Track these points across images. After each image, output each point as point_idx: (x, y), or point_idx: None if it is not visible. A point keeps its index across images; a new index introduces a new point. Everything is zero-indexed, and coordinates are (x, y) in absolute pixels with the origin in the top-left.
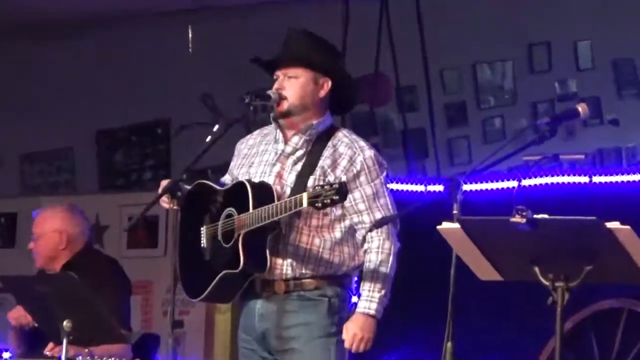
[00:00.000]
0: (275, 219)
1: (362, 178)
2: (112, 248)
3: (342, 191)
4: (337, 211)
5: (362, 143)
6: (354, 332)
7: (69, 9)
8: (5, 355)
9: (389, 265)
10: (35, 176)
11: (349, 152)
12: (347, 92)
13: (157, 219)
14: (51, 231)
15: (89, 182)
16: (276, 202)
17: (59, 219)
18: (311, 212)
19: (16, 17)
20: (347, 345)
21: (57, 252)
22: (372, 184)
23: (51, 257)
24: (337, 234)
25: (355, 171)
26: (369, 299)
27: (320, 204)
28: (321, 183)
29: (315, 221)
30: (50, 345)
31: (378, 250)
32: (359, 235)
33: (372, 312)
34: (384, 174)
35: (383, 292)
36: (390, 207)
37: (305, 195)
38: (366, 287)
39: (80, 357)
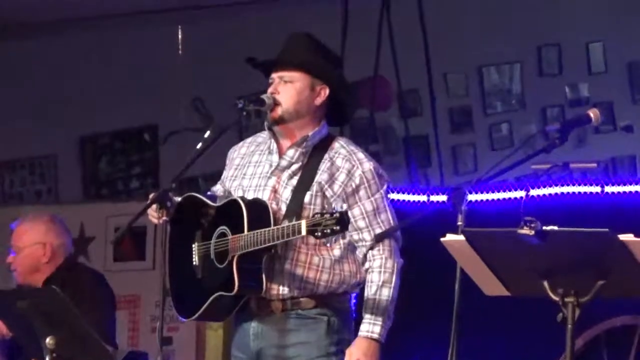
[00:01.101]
0: (271, 244)
1: (362, 193)
2: (98, 261)
3: (343, 221)
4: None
5: (361, 155)
6: (357, 358)
7: (51, 9)
8: None
9: (392, 285)
10: (15, 185)
11: (347, 165)
12: (345, 102)
13: (145, 230)
14: (33, 243)
15: (73, 191)
16: (273, 227)
17: (41, 231)
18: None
19: None
20: None
21: (39, 266)
22: (372, 198)
23: (32, 272)
24: (337, 251)
25: (354, 186)
26: (372, 322)
27: (319, 233)
28: (320, 211)
29: (313, 239)
30: None
31: (380, 270)
32: (359, 254)
33: (375, 335)
34: (385, 187)
35: (387, 314)
36: (391, 222)
37: (303, 223)
38: (369, 310)
39: None
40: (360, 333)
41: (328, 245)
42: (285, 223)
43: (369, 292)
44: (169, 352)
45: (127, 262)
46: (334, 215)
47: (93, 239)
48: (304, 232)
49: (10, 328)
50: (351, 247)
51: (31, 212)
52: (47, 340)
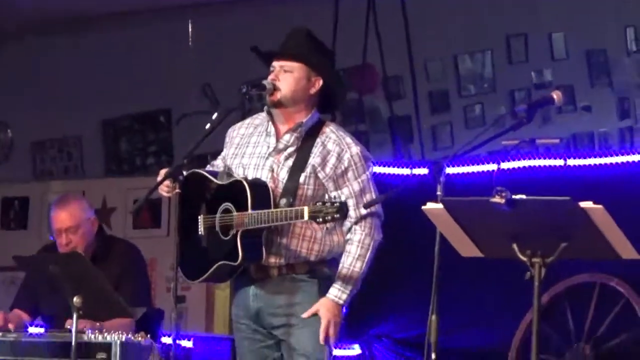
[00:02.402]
0: (275, 224)
1: (350, 174)
2: (119, 229)
3: (342, 210)
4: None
5: (349, 139)
6: (328, 319)
7: (76, 5)
8: (33, 329)
9: (365, 260)
10: (46, 162)
11: (337, 149)
12: (336, 93)
13: (160, 201)
14: (86, 219)
15: (96, 168)
16: (276, 209)
17: (85, 207)
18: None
19: (27, 13)
20: (323, 328)
21: (92, 240)
22: (359, 180)
23: (89, 245)
24: (328, 225)
25: (343, 168)
26: (341, 289)
27: (320, 219)
28: (324, 200)
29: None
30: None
31: (358, 245)
32: (344, 227)
33: (341, 302)
34: (370, 169)
35: (355, 285)
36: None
37: (306, 210)
38: (341, 278)
39: (89, 331)
40: (328, 295)
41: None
42: (284, 201)
43: (345, 261)
44: (182, 309)
45: (145, 230)
46: (335, 204)
47: (115, 210)
48: (306, 218)
49: (42, 290)
50: (340, 222)
51: (59, 189)
52: (75, 299)
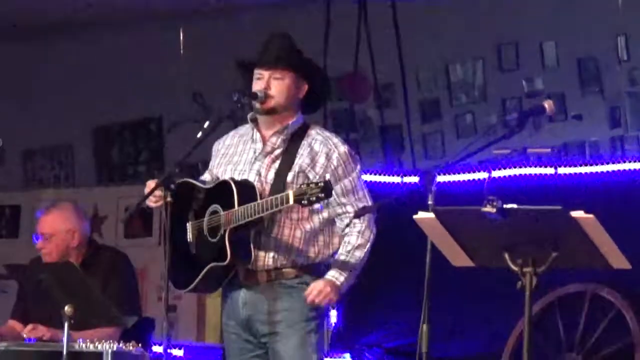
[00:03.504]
0: (262, 215)
1: (340, 172)
2: (110, 237)
3: (327, 188)
4: (316, 205)
5: (336, 139)
6: (320, 288)
7: (65, 12)
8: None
9: (365, 250)
10: (37, 170)
11: (325, 149)
12: (320, 96)
13: (152, 209)
14: (64, 230)
15: (87, 176)
16: (262, 200)
17: (70, 218)
18: (292, 207)
19: (17, 19)
20: (307, 292)
21: (69, 250)
22: (349, 177)
23: (63, 255)
24: (316, 224)
25: (332, 167)
26: (339, 271)
27: (306, 201)
28: (306, 182)
29: (295, 214)
30: (30, 326)
31: (359, 235)
32: (341, 224)
33: (338, 283)
34: (359, 167)
35: (353, 271)
36: (367, 197)
37: (291, 193)
38: (340, 261)
39: (80, 340)
40: (325, 276)
41: (309, 219)
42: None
43: (343, 249)
44: (173, 318)
45: (136, 239)
46: (319, 184)
47: (106, 218)
48: (291, 201)
49: (32, 298)
50: (328, 222)
51: (51, 195)
52: (66, 308)
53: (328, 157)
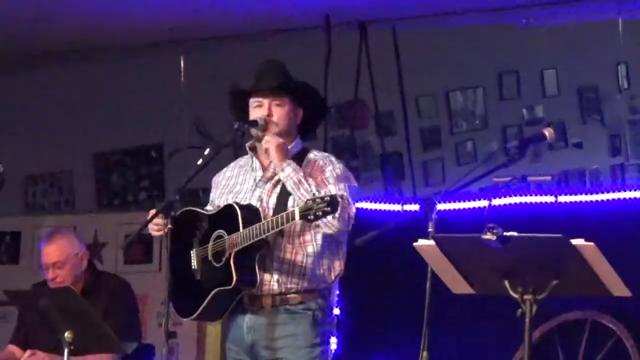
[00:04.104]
0: (268, 234)
1: (331, 180)
2: (110, 264)
3: (333, 203)
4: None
5: (332, 158)
6: (279, 142)
7: (68, 39)
8: None
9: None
10: (37, 196)
11: (320, 162)
12: (315, 121)
13: (152, 236)
14: (73, 255)
15: (88, 202)
16: (267, 220)
17: (75, 243)
18: (293, 230)
19: (18, 46)
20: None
21: (81, 274)
22: (338, 186)
23: (77, 281)
24: (317, 248)
25: (325, 176)
26: (295, 169)
27: (312, 216)
28: (311, 197)
29: (297, 238)
30: (29, 352)
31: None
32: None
33: (285, 164)
34: (354, 184)
35: (299, 182)
36: (350, 199)
37: (297, 210)
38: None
39: None
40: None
41: (311, 241)
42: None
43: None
44: (173, 344)
45: (136, 265)
46: (325, 199)
47: (106, 245)
48: (297, 218)
49: (32, 324)
50: (328, 243)
51: (52, 221)
52: (66, 334)
53: (322, 170)
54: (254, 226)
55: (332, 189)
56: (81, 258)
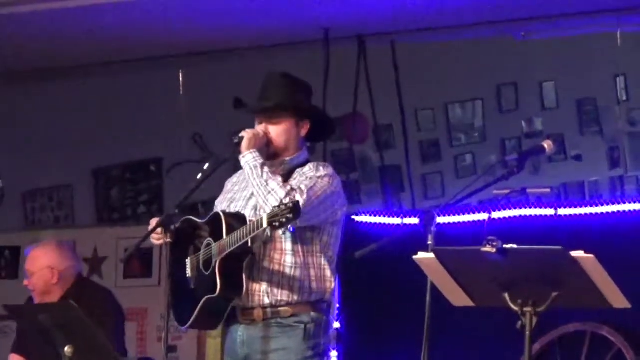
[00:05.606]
0: (245, 241)
1: (308, 174)
2: (110, 278)
3: (295, 210)
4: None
5: (322, 165)
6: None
7: (68, 55)
8: None
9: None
10: (37, 211)
11: (306, 168)
12: (324, 127)
13: (152, 250)
14: (43, 268)
15: (87, 217)
16: (243, 226)
17: (48, 257)
18: (278, 238)
19: (18, 63)
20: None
21: (50, 287)
22: (301, 178)
23: (45, 292)
24: (305, 258)
25: (302, 172)
26: (256, 157)
27: (277, 223)
28: (279, 204)
29: (284, 245)
30: None
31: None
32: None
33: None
34: (335, 180)
35: (256, 167)
36: (322, 201)
37: (265, 216)
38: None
39: None
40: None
41: (293, 250)
42: (267, 232)
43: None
44: (173, 358)
45: (136, 279)
46: (288, 205)
47: (106, 259)
48: (265, 224)
49: (32, 339)
50: (318, 253)
51: (51, 236)
52: (66, 349)
53: (304, 172)
54: (233, 234)
55: (293, 182)
56: (51, 271)
